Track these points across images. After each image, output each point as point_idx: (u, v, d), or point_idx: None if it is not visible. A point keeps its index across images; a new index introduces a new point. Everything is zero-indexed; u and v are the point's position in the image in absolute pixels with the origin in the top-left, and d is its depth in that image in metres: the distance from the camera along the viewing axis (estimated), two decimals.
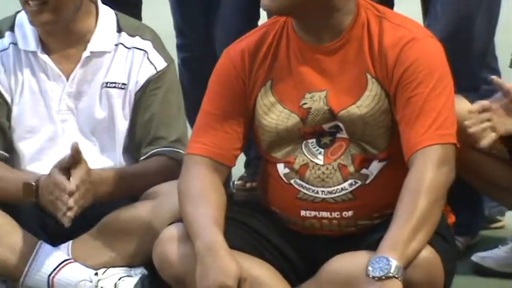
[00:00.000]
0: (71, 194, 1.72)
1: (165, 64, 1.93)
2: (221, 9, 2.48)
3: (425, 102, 1.51)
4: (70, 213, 1.72)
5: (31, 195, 1.77)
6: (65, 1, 1.83)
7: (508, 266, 2.05)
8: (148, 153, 1.92)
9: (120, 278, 1.81)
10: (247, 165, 2.56)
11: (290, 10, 1.55)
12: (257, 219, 1.69)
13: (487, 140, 1.67)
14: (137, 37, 1.91)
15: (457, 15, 2.12)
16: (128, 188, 1.90)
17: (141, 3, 2.71)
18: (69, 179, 1.75)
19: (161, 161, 1.91)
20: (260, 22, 2.33)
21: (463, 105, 1.67)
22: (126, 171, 1.93)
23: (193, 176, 1.63)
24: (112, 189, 1.85)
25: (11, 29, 1.90)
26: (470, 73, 2.10)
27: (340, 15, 1.56)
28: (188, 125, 2.12)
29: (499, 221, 2.32)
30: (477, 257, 2.07)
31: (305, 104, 1.58)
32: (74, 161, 1.77)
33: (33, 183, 1.78)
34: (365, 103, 1.55)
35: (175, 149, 1.91)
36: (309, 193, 1.60)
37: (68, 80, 1.87)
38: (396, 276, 1.37)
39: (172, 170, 1.86)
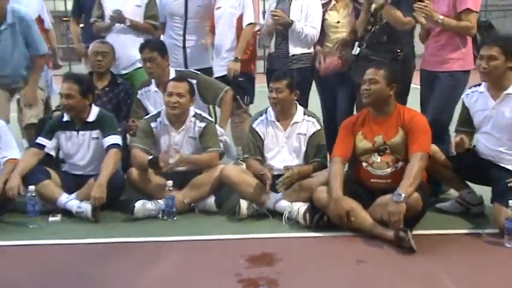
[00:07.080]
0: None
1: None
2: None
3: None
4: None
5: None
6: None
7: (448, 208, 3.54)
8: None
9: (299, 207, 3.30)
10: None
11: None
12: (354, 183, 3.27)
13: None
14: None
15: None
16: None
17: None
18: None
19: None
20: None
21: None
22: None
23: (334, 166, 3.24)
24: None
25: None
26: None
27: None
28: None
29: (447, 191, 3.87)
30: (439, 205, 3.59)
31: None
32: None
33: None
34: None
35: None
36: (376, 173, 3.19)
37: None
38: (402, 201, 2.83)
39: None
